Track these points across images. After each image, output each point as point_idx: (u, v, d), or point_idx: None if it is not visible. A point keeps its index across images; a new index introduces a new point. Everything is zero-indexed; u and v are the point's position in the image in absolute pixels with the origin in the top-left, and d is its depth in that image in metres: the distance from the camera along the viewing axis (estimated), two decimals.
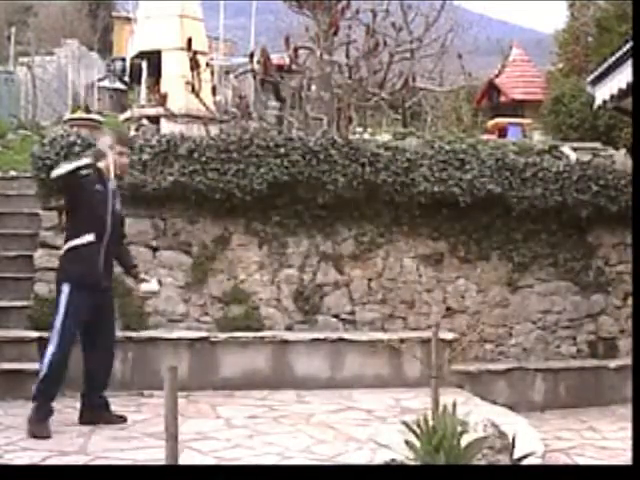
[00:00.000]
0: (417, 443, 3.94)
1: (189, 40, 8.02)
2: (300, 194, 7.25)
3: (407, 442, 3.99)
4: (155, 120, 13.06)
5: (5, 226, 7.73)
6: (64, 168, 5.22)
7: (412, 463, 3.93)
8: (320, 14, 8.38)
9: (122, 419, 5.49)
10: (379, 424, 5.65)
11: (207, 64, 9.89)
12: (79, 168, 5.17)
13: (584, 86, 9.59)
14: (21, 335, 6.43)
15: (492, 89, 16.57)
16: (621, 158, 8.26)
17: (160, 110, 9.99)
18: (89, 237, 5.26)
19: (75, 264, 5.27)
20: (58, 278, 5.40)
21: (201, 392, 6.40)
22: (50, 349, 5.19)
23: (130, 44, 19.02)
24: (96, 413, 5.45)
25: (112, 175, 5.38)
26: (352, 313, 7.46)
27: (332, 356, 6.96)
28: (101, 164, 5.36)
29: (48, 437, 5.05)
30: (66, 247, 5.35)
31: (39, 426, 5.11)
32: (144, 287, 5.72)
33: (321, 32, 8.24)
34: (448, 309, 7.69)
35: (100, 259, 5.31)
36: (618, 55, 7.21)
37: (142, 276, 5.73)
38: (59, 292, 5.28)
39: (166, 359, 6.49)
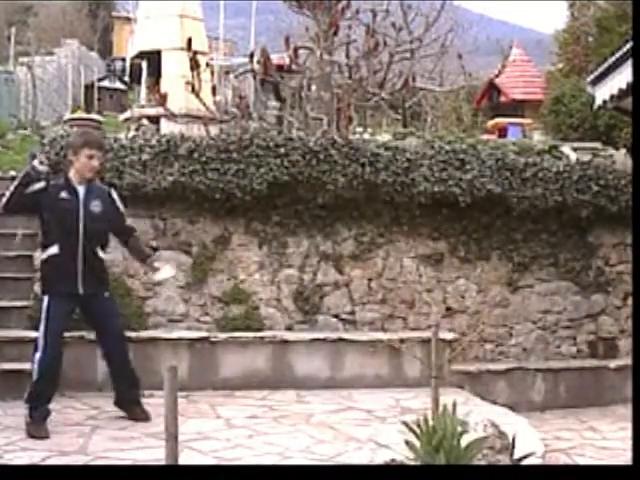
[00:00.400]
0: (417, 443, 3.94)
1: (189, 40, 8.01)
2: (300, 194, 7.25)
3: (407, 442, 3.99)
4: (155, 120, 13.04)
5: (5, 226, 7.72)
6: (8, 191, 5.28)
7: (412, 463, 3.93)
8: (320, 14, 8.38)
9: (144, 415, 5.55)
10: (379, 424, 5.65)
11: (207, 64, 9.88)
12: (22, 184, 5.23)
13: (584, 86, 9.59)
14: (21, 335, 6.42)
15: (492, 89, 16.57)
16: (621, 158, 8.25)
17: (160, 110, 9.95)
18: (54, 249, 5.26)
19: (49, 275, 5.33)
20: (40, 289, 5.54)
21: (201, 392, 6.41)
22: (37, 355, 5.26)
23: (130, 44, 19.03)
24: (126, 407, 5.61)
25: (80, 179, 5.35)
26: (352, 313, 7.46)
27: (332, 356, 6.96)
28: (71, 172, 5.36)
29: (46, 437, 5.07)
30: (40, 259, 5.49)
31: (37, 427, 5.14)
32: (158, 276, 5.83)
33: (321, 32, 8.23)
34: (448, 309, 7.68)
35: (76, 266, 5.28)
36: (618, 55, 7.20)
37: (155, 264, 5.81)
38: (41, 300, 5.40)
39: (166, 359, 6.48)
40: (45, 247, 5.35)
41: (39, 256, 5.55)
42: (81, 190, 5.34)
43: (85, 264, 5.29)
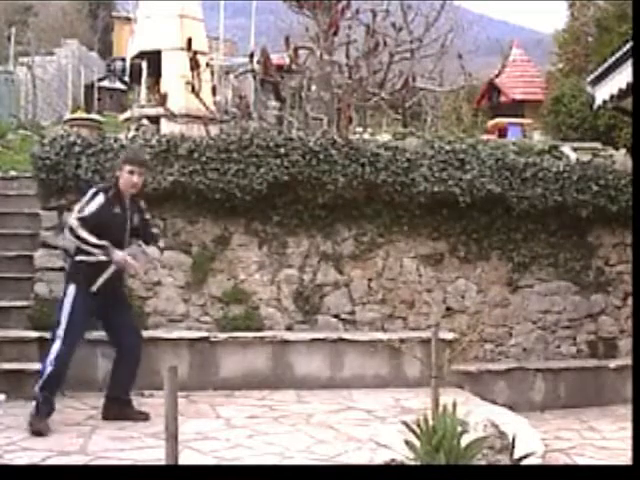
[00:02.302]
0: (417, 443, 3.94)
1: (189, 40, 8.03)
2: (300, 194, 7.25)
3: (407, 442, 3.99)
4: (155, 120, 13.05)
5: (5, 226, 7.72)
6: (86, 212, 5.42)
7: (412, 463, 3.93)
8: (320, 14, 8.38)
9: (144, 416, 5.58)
10: (379, 424, 5.65)
11: (207, 64, 9.89)
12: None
13: (584, 86, 9.61)
14: (21, 335, 6.43)
15: (492, 89, 16.61)
16: (621, 158, 8.25)
17: (160, 110, 9.97)
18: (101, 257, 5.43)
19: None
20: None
21: (201, 392, 6.41)
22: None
23: (130, 44, 19.03)
24: (121, 410, 5.61)
25: (125, 193, 5.57)
26: (352, 313, 7.46)
27: (332, 356, 6.96)
28: (119, 186, 5.57)
29: (47, 434, 5.11)
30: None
31: (41, 423, 5.19)
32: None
33: (321, 32, 8.24)
34: (448, 309, 7.68)
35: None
36: (618, 55, 7.22)
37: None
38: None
39: (166, 359, 6.48)
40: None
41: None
42: (127, 204, 5.60)
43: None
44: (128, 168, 5.53)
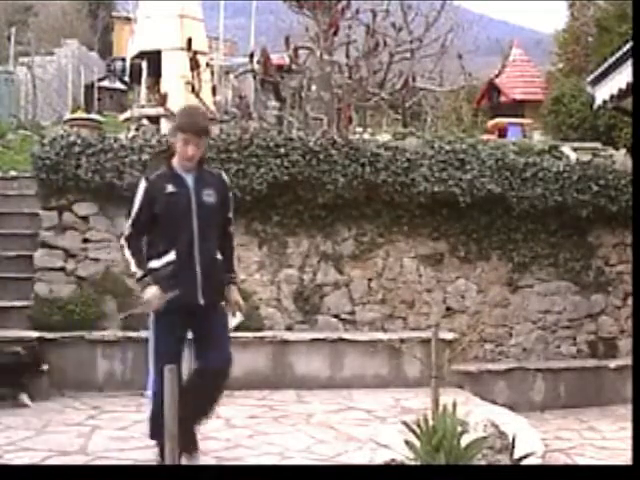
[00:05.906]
0: (417, 443, 3.94)
1: (189, 40, 8.02)
2: (300, 194, 7.25)
3: (407, 442, 3.98)
4: (155, 120, 13.06)
5: (5, 226, 7.72)
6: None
7: (412, 463, 3.93)
8: (320, 14, 8.37)
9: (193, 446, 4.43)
10: (379, 424, 5.65)
11: (207, 64, 9.89)
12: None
13: (584, 86, 9.61)
14: (21, 335, 6.42)
15: (492, 89, 16.58)
16: (621, 158, 8.26)
17: (160, 110, 9.97)
18: (171, 255, 4.22)
19: (161, 286, 4.20)
20: None
21: None
22: (149, 388, 4.30)
23: (130, 44, 19.03)
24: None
25: (185, 166, 4.30)
26: (352, 313, 7.46)
27: (332, 356, 6.96)
28: (175, 159, 4.36)
29: None
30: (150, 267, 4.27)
31: None
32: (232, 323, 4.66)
33: (321, 32, 8.23)
34: (448, 309, 7.68)
35: (194, 272, 4.23)
36: (618, 55, 7.22)
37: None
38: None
39: None
40: (151, 257, 4.28)
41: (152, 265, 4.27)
42: (189, 179, 4.30)
43: (203, 269, 4.26)
44: (182, 137, 4.22)
